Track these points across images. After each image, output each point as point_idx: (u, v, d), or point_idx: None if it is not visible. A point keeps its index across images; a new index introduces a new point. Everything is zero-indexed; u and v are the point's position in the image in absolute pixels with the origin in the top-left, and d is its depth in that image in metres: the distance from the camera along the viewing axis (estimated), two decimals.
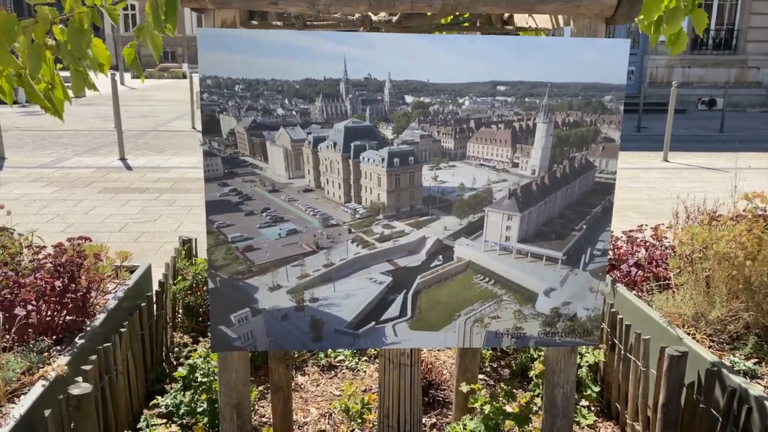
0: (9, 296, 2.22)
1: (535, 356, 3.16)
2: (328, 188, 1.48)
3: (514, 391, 2.50)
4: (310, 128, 1.45)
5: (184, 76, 25.90)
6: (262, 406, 3.00)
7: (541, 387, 2.83)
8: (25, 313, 2.19)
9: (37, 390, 1.93)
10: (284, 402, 2.64)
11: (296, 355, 3.41)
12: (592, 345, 1.75)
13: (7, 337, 2.13)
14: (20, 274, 2.35)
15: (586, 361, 3.04)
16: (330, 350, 3.50)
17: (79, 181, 7.71)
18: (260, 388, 3.11)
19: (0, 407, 1.85)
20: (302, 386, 3.26)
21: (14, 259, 2.49)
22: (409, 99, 1.43)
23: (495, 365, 3.43)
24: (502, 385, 3.08)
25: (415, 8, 1.41)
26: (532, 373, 2.98)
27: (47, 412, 1.84)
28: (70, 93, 1.83)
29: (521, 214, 1.52)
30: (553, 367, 1.80)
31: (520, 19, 2.08)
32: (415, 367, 2.07)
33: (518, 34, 2.12)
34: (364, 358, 3.48)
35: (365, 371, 3.39)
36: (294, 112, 1.43)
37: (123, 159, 9.31)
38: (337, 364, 3.47)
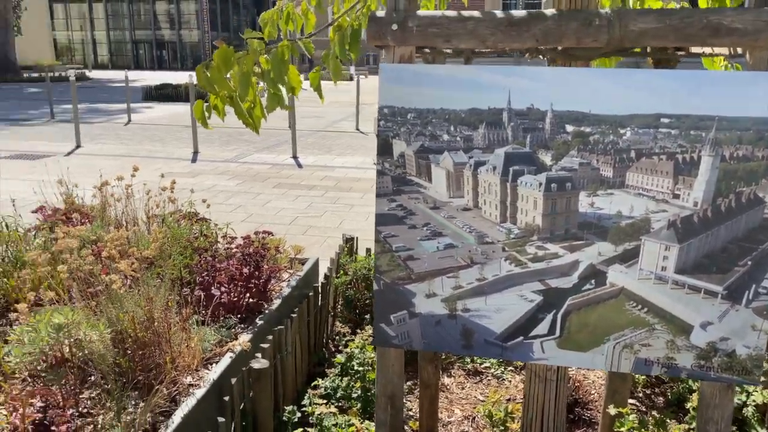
0: (208, 278, 2.62)
1: (694, 388, 3.01)
2: (485, 208, 1.60)
3: (667, 421, 2.42)
4: (472, 153, 1.58)
5: (351, 79, 27.32)
6: (410, 401, 3.19)
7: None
8: (219, 293, 2.58)
9: (225, 360, 2.28)
10: (431, 400, 2.79)
11: (444, 357, 3.56)
12: (752, 384, 1.67)
13: (204, 313, 2.52)
14: (216, 260, 2.76)
15: (753, 400, 2.83)
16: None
17: (258, 175, 8.55)
18: (409, 383, 3.30)
19: (198, 371, 2.21)
20: (448, 387, 3.40)
21: (212, 246, 2.92)
22: (569, 128, 1.50)
23: (648, 392, 3.30)
24: (654, 413, 2.97)
25: (582, 43, 1.47)
26: (689, 405, 2.84)
27: (233, 380, 2.17)
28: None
29: (680, 245, 1.52)
30: (708, 401, 1.75)
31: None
32: (561, 383, 2.11)
33: (697, 60, 2.06)
34: (510, 367, 3.54)
35: (510, 381, 3.45)
36: (458, 138, 1.57)
37: (295, 157, 10.13)
38: (483, 371, 3.56)
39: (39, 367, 2.00)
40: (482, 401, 3.20)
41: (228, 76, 1.92)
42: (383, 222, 1.64)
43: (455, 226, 1.62)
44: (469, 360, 3.58)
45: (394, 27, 1.52)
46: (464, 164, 1.59)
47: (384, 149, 1.61)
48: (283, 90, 1.99)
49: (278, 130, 13.47)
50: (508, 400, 3.19)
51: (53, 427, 1.74)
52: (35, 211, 3.10)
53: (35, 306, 2.11)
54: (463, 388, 3.40)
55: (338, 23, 2.29)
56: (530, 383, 2.11)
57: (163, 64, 69.68)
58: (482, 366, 3.57)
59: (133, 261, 2.23)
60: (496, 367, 3.54)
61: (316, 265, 3.52)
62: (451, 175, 1.60)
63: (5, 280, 2.41)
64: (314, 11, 2.51)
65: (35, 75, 37.88)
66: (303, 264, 3.37)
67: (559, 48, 1.76)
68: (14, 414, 1.60)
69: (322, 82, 2.02)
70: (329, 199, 7.27)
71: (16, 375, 1.96)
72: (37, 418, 1.74)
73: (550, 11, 1.48)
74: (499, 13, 1.49)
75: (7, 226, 2.74)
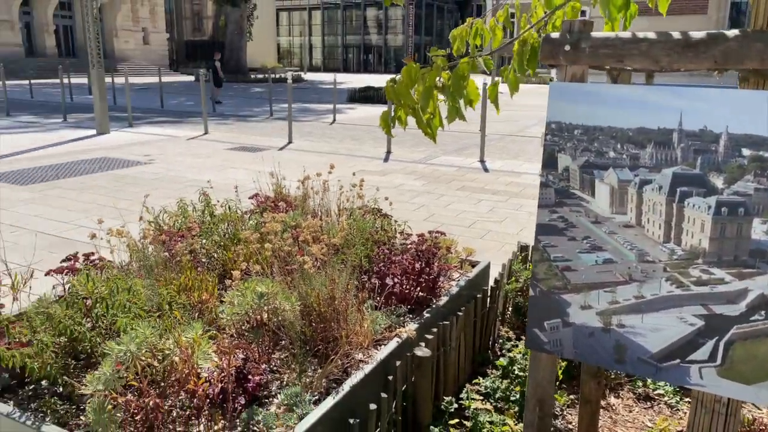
0: (384, 269, 2.89)
1: None
2: (648, 227, 1.60)
3: None
4: (638, 171, 1.59)
5: (551, 80, 26.66)
6: (570, 414, 3.17)
7: None
8: (392, 283, 2.83)
9: (392, 344, 2.51)
10: (591, 416, 2.77)
11: (612, 376, 3.46)
12: None
13: (378, 299, 2.79)
14: (393, 253, 3.02)
15: None
16: (649, 381, 3.44)
17: (443, 177, 8.84)
18: (571, 396, 3.28)
19: (368, 349, 2.47)
20: (614, 407, 3.30)
21: (390, 240, 3.19)
22: (746, 152, 1.45)
23: None
24: None
25: (766, 65, 1.41)
26: None
27: (398, 363, 2.40)
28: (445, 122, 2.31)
29: None
30: None
31: None
32: (731, 418, 1.99)
33: None
34: (687, 398, 3.32)
35: (685, 412, 3.24)
36: (624, 156, 1.59)
37: (482, 161, 10.25)
38: (655, 397, 3.40)
39: (243, 327, 2.41)
40: (649, 428, 3.06)
41: (413, 90, 2.14)
42: (543, 232, 1.73)
43: (616, 242, 1.65)
44: (640, 383, 3.44)
45: (567, 48, 1.60)
46: (629, 182, 1.61)
47: (549, 162, 1.69)
48: (462, 102, 2.15)
49: (468, 134, 13.69)
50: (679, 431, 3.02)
51: (249, 376, 2.10)
52: (251, 198, 3.65)
53: (245, 275, 2.53)
54: (630, 411, 3.28)
55: (523, 38, 2.40)
56: (695, 413, 2.02)
57: (368, 67, 74.08)
58: (655, 392, 3.40)
59: (323, 246, 2.56)
60: (671, 395, 3.35)
61: (487, 268, 3.64)
62: (614, 192, 1.63)
63: (225, 252, 2.91)
64: (502, 27, 2.64)
65: (260, 76, 42.67)
66: (474, 266, 3.51)
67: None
68: (223, 359, 1.98)
69: (525, 86, 2.14)
70: (512, 205, 7.29)
71: (226, 330, 2.39)
72: (239, 366, 2.12)
73: (731, 32, 1.44)
74: (675, 35, 1.49)
75: (229, 208, 3.28)
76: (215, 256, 2.92)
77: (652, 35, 1.52)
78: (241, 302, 2.30)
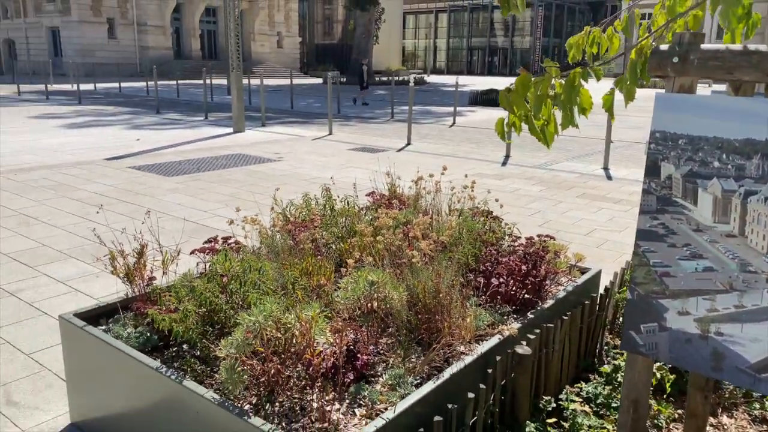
0: (490, 268, 3.00)
1: None
2: (751, 237, 1.60)
3: None
4: (743, 182, 1.59)
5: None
6: (675, 428, 3.10)
7: None
8: (497, 283, 2.94)
9: (494, 340, 2.62)
10: (696, 431, 2.71)
11: (726, 395, 3.32)
12: None
13: (483, 297, 2.91)
14: (500, 254, 3.12)
15: None
16: None
17: (563, 183, 8.68)
18: (678, 411, 3.19)
19: (469, 343, 2.60)
20: (725, 427, 3.18)
21: (498, 242, 3.29)
22: None
23: None
24: None
25: None
26: None
27: (498, 358, 2.51)
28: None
29: None
30: None
31: None
32: None
33: None
34: None
35: None
36: (729, 166, 1.60)
37: (605, 168, 9.91)
38: None
39: (355, 313, 2.63)
40: None
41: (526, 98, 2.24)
42: (644, 237, 1.77)
43: (717, 251, 1.66)
44: (757, 405, 3.26)
45: (675, 60, 1.64)
46: (733, 192, 1.62)
47: (652, 170, 1.74)
48: (575, 110, 2.22)
49: (595, 140, 13.26)
50: None
51: (358, 355, 2.31)
52: (368, 195, 3.89)
53: (358, 265, 2.76)
54: None
55: (640, 46, 2.42)
56: None
57: (493, 70, 73.25)
58: None
59: (432, 243, 2.73)
60: None
61: (597, 276, 3.62)
62: (718, 201, 1.64)
63: (342, 243, 3.17)
64: (620, 36, 2.65)
65: (384, 79, 43.67)
66: (583, 273, 3.51)
67: None
68: (336, 337, 2.21)
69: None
70: (634, 215, 7.02)
71: (340, 313, 2.62)
72: (349, 345, 2.34)
73: None
74: None
75: (348, 203, 3.55)
76: (333, 246, 3.19)
77: (764, 48, 1.52)
78: (354, 288, 2.53)
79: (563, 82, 2.16)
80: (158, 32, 50.81)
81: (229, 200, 7.17)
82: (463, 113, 20.01)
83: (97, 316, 2.77)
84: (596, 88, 2.30)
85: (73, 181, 8.10)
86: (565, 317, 3.07)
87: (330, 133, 13.86)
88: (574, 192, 8.15)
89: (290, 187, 7.78)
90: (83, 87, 24.74)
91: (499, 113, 18.63)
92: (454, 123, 17.11)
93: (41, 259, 5.00)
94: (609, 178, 9.27)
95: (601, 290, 3.57)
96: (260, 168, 9.45)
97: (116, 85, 30.85)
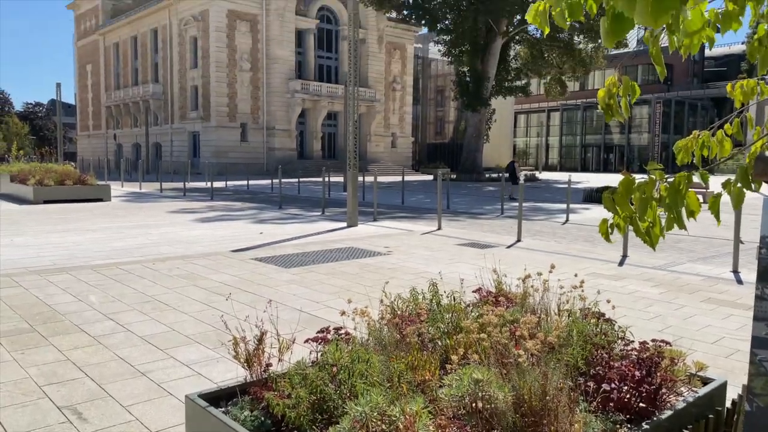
0: (600, 372, 2.91)
1: None
2: None
3: None
4: None
5: None
6: None
7: None
8: (609, 389, 2.83)
9: None
10: None
11: None
12: None
13: (593, 403, 2.80)
14: (611, 358, 3.02)
15: None
16: None
17: (686, 287, 8.17)
18: None
19: None
20: None
21: (609, 345, 3.19)
22: None
23: None
24: None
25: None
26: None
27: None
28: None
29: None
30: None
31: None
32: None
33: None
34: None
35: None
36: None
37: (735, 272, 9.23)
38: None
39: (459, 411, 2.64)
40: None
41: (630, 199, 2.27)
42: (760, 345, 1.70)
43: None
44: None
45: None
46: None
47: (765, 275, 1.69)
48: (683, 212, 2.22)
49: (722, 240, 12.47)
50: None
51: None
52: (474, 291, 3.94)
53: (463, 362, 2.79)
54: None
55: (754, 148, 2.39)
56: None
57: (608, 167, 71.73)
58: None
59: (539, 343, 2.71)
60: None
61: (722, 388, 3.36)
62: None
63: (447, 339, 3.21)
64: (731, 138, 2.64)
65: (494, 176, 44.06)
66: (705, 383, 3.28)
67: None
68: None
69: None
70: None
71: (444, 411, 2.64)
72: None
73: None
74: None
75: (454, 299, 3.62)
76: (439, 341, 3.24)
77: None
78: (458, 386, 2.55)
79: (667, 185, 2.18)
80: (284, 135, 55.21)
81: (340, 292, 7.45)
82: (577, 210, 19.62)
83: (217, 398, 2.97)
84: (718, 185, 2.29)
85: (202, 270, 8.81)
86: (685, 430, 2.86)
87: (439, 228, 14.10)
88: (698, 296, 7.63)
89: (398, 280, 7.95)
90: (216, 184, 27.15)
91: None
92: (567, 220, 16.81)
93: (170, 343, 5.43)
94: (739, 282, 8.60)
95: (728, 404, 3.30)
96: (370, 261, 9.77)
97: (245, 182, 33.58)
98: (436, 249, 11.18)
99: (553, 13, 2.27)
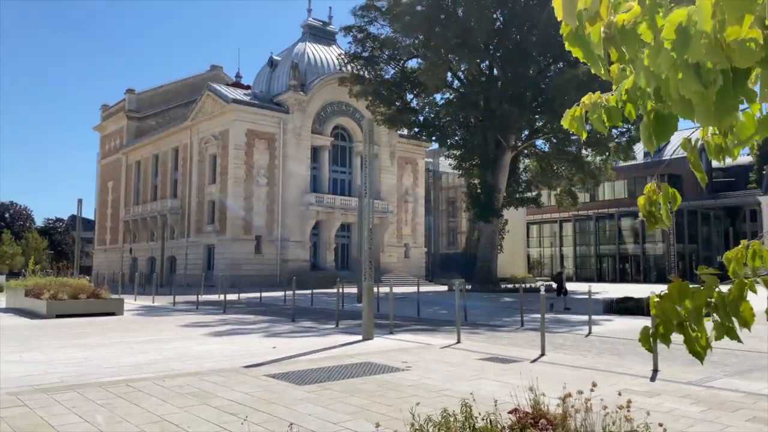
0: None
1: None
2: None
3: None
4: None
5: None
6: None
7: None
8: None
9: None
10: None
11: None
12: None
13: None
14: None
15: None
16: None
17: (726, 404, 7.64)
18: None
19: None
20: None
21: None
22: None
23: None
24: None
25: None
26: None
27: None
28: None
29: None
30: None
31: None
32: None
33: None
34: None
35: None
36: None
37: None
38: None
39: None
40: None
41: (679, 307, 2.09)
42: None
43: None
44: None
45: None
46: None
47: None
48: (736, 322, 2.03)
49: (755, 353, 11.90)
50: None
51: None
52: (510, 412, 3.64)
53: None
54: None
55: None
56: None
57: (625, 276, 71.01)
58: None
59: None
60: None
61: None
62: None
63: None
64: None
65: (509, 286, 43.58)
66: None
67: None
68: None
69: None
70: None
71: None
72: None
73: None
74: None
75: (490, 421, 3.32)
76: None
77: None
78: None
79: (722, 293, 2.01)
80: (298, 246, 55.70)
81: (359, 412, 7.03)
82: (599, 322, 19.07)
83: None
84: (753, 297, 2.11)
85: (213, 388, 8.44)
86: None
87: (458, 342, 13.64)
88: (741, 415, 7.11)
89: (419, 398, 7.52)
90: (229, 297, 26.97)
91: (639, 322, 17.64)
92: (590, 332, 16.27)
93: None
94: None
95: None
96: (389, 377, 9.34)
97: (257, 294, 33.36)
98: (457, 364, 10.73)
99: (591, 118, 2.23)
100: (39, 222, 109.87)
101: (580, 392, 3.39)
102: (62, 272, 29.02)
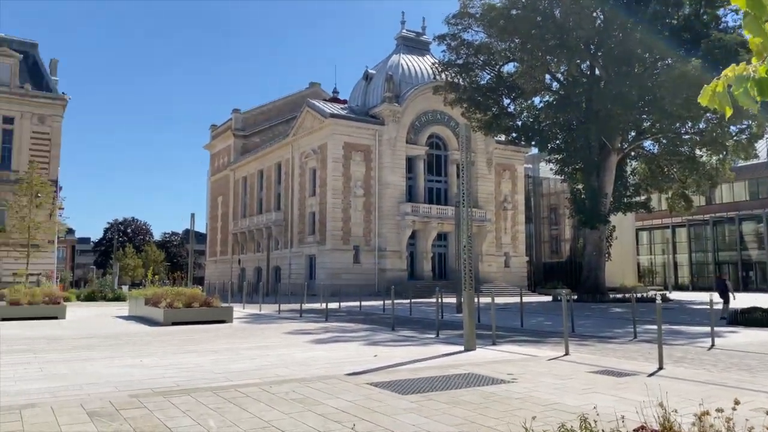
0: None
1: None
2: None
3: None
4: None
5: None
6: None
7: None
8: None
9: None
10: None
11: None
12: None
13: None
14: None
15: None
16: None
17: None
18: None
19: None
20: None
21: None
22: None
23: None
24: None
25: None
26: None
27: None
28: None
29: None
30: None
31: None
32: None
33: None
34: None
35: None
36: None
37: None
38: None
39: None
40: None
41: None
42: None
43: None
44: None
45: None
46: None
47: None
48: None
49: None
50: None
51: None
52: (636, 430, 3.30)
53: None
54: None
55: None
56: None
57: (749, 285, 65.31)
58: None
59: None
60: None
61: None
62: None
63: None
64: None
65: (619, 296, 41.33)
66: None
67: None
68: None
69: None
70: None
71: None
72: None
73: None
74: None
75: None
76: None
77: None
78: None
79: None
80: (395, 256, 56.01)
81: (464, 424, 6.79)
82: (722, 334, 17.55)
83: None
84: None
85: (317, 395, 8.50)
86: None
87: (566, 354, 12.99)
88: None
89: (527, 412, 7.16)
90: (330, 305, 27.48)
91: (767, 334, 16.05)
92: (712, 345, 14.98)
93: None
94: None
95: None
96: (493, 389, 9.00)
97: (357, 303, 33.79)
98: (565, 377, 10.18)
99: (736, 93, 1.93)
100: (157, 236, 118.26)
101: (720, 410, 3.00)
102: (177, 282, 30.84)
